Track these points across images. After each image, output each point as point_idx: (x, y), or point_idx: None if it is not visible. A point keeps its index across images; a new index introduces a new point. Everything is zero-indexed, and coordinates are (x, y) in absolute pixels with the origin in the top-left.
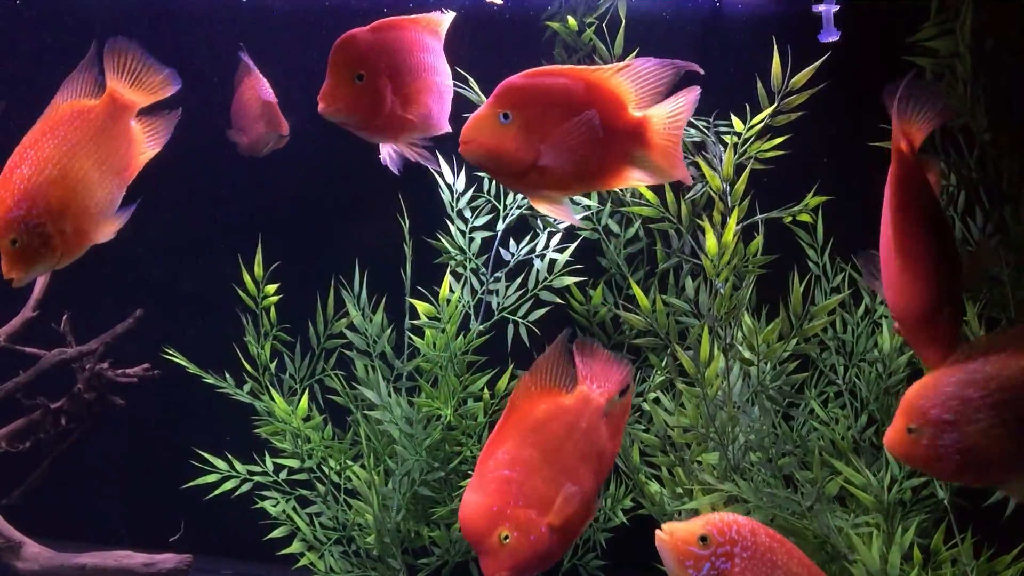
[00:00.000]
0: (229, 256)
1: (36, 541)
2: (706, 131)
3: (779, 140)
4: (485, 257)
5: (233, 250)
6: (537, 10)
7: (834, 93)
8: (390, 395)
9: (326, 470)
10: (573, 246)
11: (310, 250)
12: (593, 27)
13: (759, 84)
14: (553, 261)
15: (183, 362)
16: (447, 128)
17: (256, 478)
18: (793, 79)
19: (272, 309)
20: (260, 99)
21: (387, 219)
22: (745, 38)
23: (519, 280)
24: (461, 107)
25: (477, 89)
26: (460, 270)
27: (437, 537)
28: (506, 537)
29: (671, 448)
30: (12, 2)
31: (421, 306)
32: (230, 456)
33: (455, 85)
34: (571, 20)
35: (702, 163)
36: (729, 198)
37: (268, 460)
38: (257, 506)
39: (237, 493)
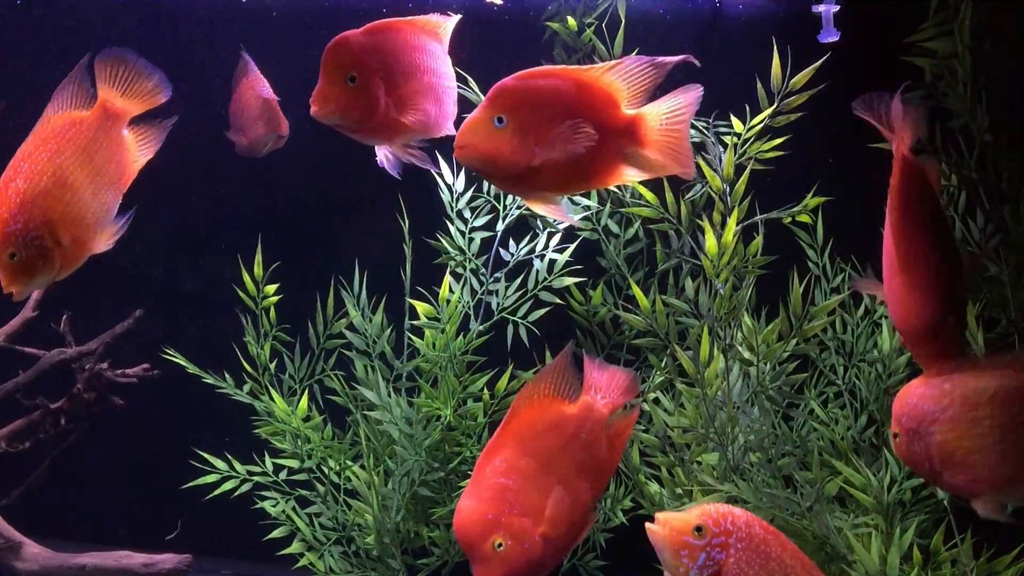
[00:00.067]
0: (229, 256)
1: (36, 541)
2: (706, 132)
3: (779, 140)
4: (485, 257)
5: (233, 250)
6: (537, 10)
7: (834, 93)
8: (390, 395)
9: (326, 470)
10: (573, 246)
11: (310, 250)
12: (593, 27)
13: (759, 85)
14: (553, 261)
15: (183, 362)
16: (448, 130)
17: (256, 478)
18: (793, 80)
19: (272, 309)
20: (260, 98)
21: (387, 219)
22: (745, 38)
23: (519, 280)
24: (461, 108)
25: (477, 89)
26: (460, 270)
27: (437, 537)
28: (500, 545)
29: (671, 448)
30: (12, 2)
31: (421, 306)
32: (230, 456)
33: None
34: (571, 20)
35: (702, 163)
36: (729, 198)
37: (268, 460)
38: (257, 506)
39: (237, 493)
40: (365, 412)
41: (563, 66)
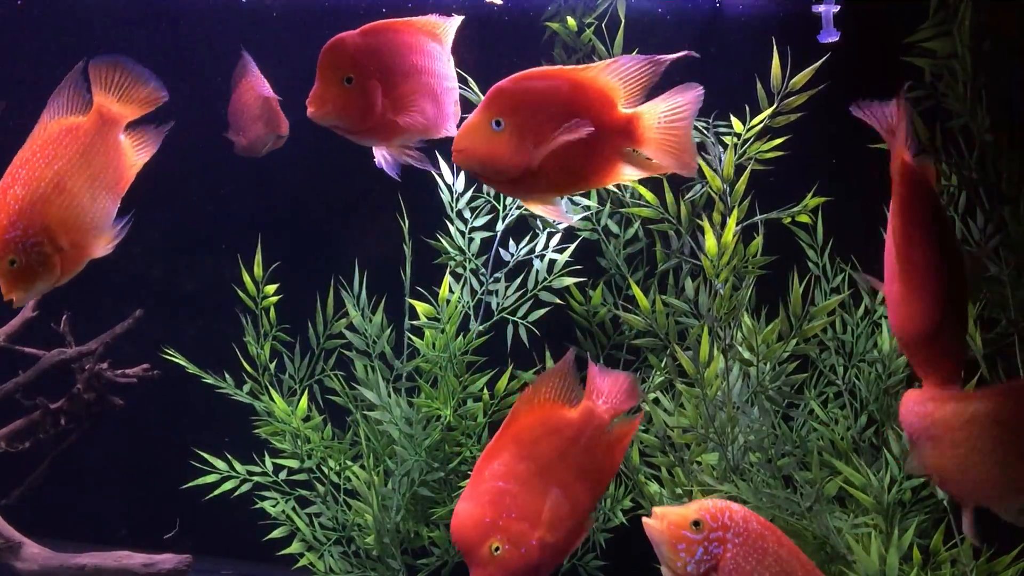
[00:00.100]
0: (229, 256)
1: (35, 541)
2: (706, 132)
3: (779, 141)
4: (485, 257)
5: (233, 250)
6: (537, 10)
7: (834, 93)
8: (390, 395)
9: (325, 470)
10: (572, 246)
11: (310, 250)
12: (592, 27)
13: (759, 85)
14: (553, 261)
15: (183, 362)
16: (448, 131)
17: (256, 478)
18: (793, 80)
19: (272, 309)
20: (261, 97)
21: (387, 219)
22: (745, 38)
23: (519, 280)
24: (462, 108)
25: (477, 89)
26: (460, 270)
27: (436, 537)
28: (497, 548)
29: (671, 448)
30: (13, 2)
31: (421, 306)
32: (230, 456)
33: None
34: (570, 20)
35: (702, 163)
36: (729, 199)
37: (268, 460)
38: (257, 506)
39: (237, 493)
40: (365, 412)
41: (559, 66)
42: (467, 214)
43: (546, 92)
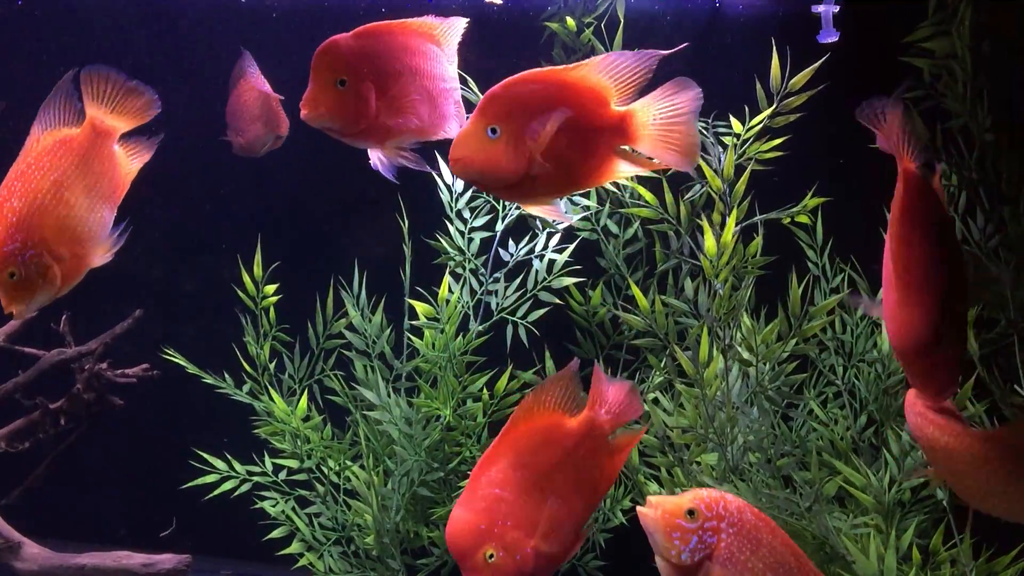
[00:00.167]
0: (229, 256)
1: (35, 541)
2: (705, 132)
3: (778, 141)
4: (484, 258)
5: (233, 250)
6: (536, 10)
7: (834, 94)
8: (389, 395)
9: (325, 470)
10: (572, 247)
11: (310, 250)
12: (592, 28)
13: (758, 85)
14: (552, 262)
15: (182, 362)
16: (447, 133)
17: (255, 478)
18: (792, 80)
19: (271, 309)
20: (261, 97)
21: (386, 219)
22: (744, 39)
23: (518, 281)
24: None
25: (476, 90)
26: (459, 271)
27: (436, 537)
28: (491, 556)
29: (670, 449)
30: (13, 3)
31: (420, 307)
32: (229, 456)
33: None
34: (569, 21)
35: (702, 163)
36: (729, 199)
37: (267, 460)
38: (256, 506)
39: (236, 493)
40: (365, 412)
41: (549, 67)
42: (466, 214)
43: (538, 95)
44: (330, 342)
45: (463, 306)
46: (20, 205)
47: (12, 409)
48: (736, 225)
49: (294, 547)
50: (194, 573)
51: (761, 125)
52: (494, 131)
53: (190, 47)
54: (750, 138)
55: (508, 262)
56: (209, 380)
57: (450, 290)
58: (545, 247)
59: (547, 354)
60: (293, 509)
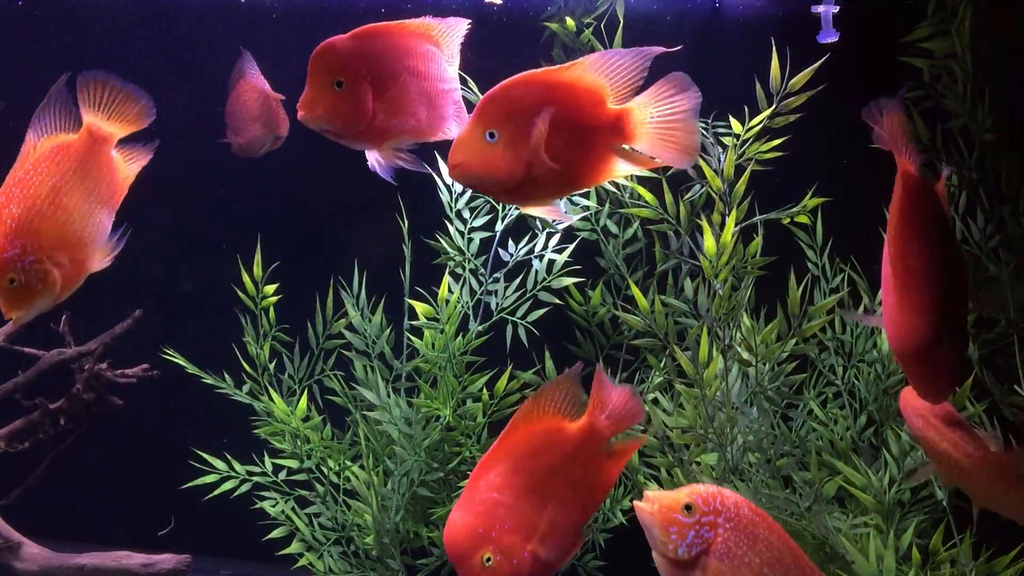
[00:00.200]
0: (229, 256)
1: (35, 541)
2: (705, 132)
3: (778, 141)
4: (484, 258)
5: (232, 250)
6: (536, 11)
7: (834, 94)
8: (389, 396)
9: (325, 470)
10: (572, 247)
11: (310, 250)
12: (591, 28)
13: (758, 86)
14: (552, 262)
15: (182, 362)
16: (446, 134)
17: (255, 478)
18: (792, 80)
19: (271, 309)
20: (261, 97)
21: (386, 219)
22: (744, 39)
23: (518, 281)
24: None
25: (476, 90)
26: (459, 271)
27: (436, 537)
28: (488, 560)
29: (670, 449)
30: (13, 3)
31: (420, 307)
32: (229, 456)
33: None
34: (569, 21)
35: (702, 163)
36: (729, 199)
37: (267, 460)
38: (256, 506)
39: (236, 493)
40: (364, 412)
41: (544, 68)
42: (466, 214)
43: (534, 97)
44: (330, 342)
45: (463, 306)
46: (19, 211)
47: (12, 409)
48: (736, 225)
49: (294, 547)
50: (194, 573)
51: (761, 125)
52: (492, 135)
53: (190, 47)
54: (750, 138)
55: (508, 262)
56: (209, 380)
57: (450, 290)
58: (545, 247)
59: (547, 354)
60: (293, 509)
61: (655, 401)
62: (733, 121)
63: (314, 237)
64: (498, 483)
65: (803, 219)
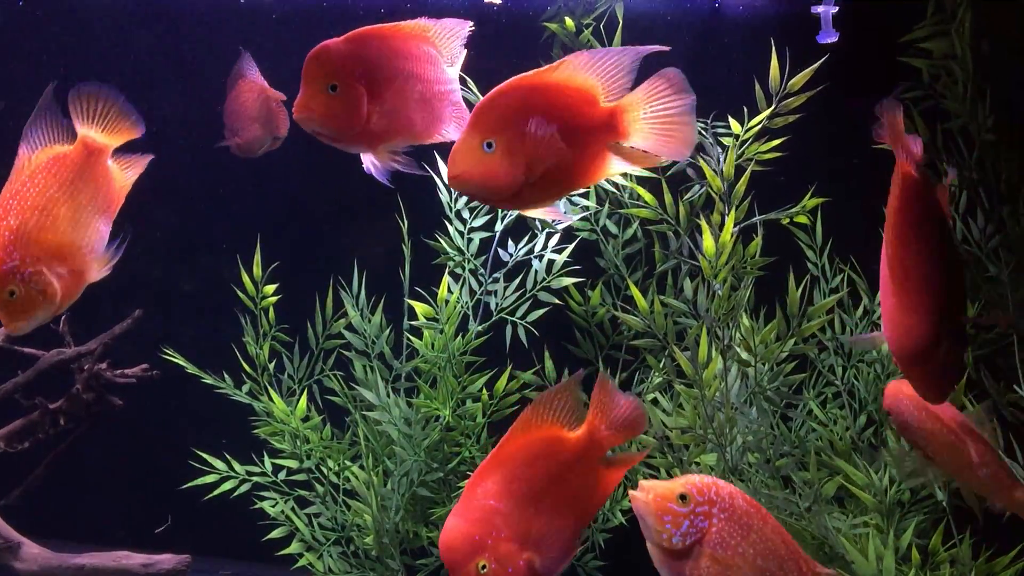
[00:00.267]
0: (228, 256)
1: (34, 541)
2: (704, 132)
3: (778, 141)
4: (483, 258)
5: (232, 250)
6: (536, 11)
7: (834, 94)
8: (389, 396)
9: (325, 471)
10: (571, 247)
11: (309, 250)
12: (591, 28)
13: (757, 86)
14: (551, 262)
15: (182, 362)
16: (444, 136)
17: (255, 478)
18: (791, 81)
19: (271, 309)
20: (261, 97)
21: (386, 220)
22: (744, 39)
23: (517, 281)
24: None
25: (476, 90)
26: (458, 271)
27: (435, 538)
28: (484, 567)
29: (669, 449)
30: (14, 2)
31: (419, 307)
32: (229, 456)
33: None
34: (569, 21)
35: (702, 164)
36: (729, 199)
37: (267, 460)
38: (256, 506)
39: (236, 494)
40: (364, 412)
41: (535, 70)
42: (466, 214)
43: (528, 101)
44: (329, 342)
45: (462, 306)
46: (17, 223)
47: (12, 409)
48: (735, 226)
49: (294, 547)
50: (194, 573)
51: (760, 126)
52: (490, 145)
53: (190, 47)
54: (749, 139)
55: (507, 262)
56: (209, 380)
57: (449, 290)
58: (544, 247)
59: (547, 354)
60: (293, 509)
61: (654, 401)
62: (732, 121)
63: (314, 237)
64: (495, 491)
65: (802, 219)
